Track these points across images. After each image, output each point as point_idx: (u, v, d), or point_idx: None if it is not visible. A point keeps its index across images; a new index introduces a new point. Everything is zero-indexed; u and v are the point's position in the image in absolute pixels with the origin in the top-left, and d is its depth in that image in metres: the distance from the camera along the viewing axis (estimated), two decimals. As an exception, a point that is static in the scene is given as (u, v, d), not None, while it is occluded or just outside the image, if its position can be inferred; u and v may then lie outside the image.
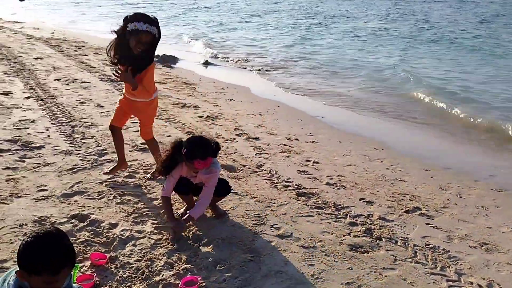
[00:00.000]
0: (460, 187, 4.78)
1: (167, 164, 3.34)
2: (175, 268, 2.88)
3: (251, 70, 11.56)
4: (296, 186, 4.31)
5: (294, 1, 36.47)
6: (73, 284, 2.28)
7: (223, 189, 3.56)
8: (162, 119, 6.32)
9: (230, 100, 8.03)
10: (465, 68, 12.02)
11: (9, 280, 2.02)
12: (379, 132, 6.83)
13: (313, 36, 18.20)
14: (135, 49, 3.56)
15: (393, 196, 4.31)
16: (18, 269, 2.00)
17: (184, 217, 3.31)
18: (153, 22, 3.54)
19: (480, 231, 3.76)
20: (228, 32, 19.08)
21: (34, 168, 4.33)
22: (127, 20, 3.54)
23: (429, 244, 3.44)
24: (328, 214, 3.81)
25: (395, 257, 3.22)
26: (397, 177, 4.87)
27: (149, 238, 3.22)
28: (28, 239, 1.96)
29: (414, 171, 5.17)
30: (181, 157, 3.24)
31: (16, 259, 2.00)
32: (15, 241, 3.05)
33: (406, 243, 3.42)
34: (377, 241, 3.42)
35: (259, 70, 11.53)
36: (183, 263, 2.94)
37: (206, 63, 12.05)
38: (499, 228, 3.84)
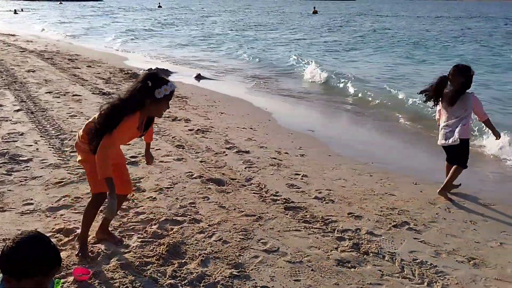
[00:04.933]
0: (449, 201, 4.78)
1: None
2: (159, 283, 2.85)
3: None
4: (284, 200, 4.30)
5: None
6: None
7: None
8: (152, 133, 6.31)
9: (222, 113, 8.04)
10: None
11: None
12: (369, 146, 6.85)
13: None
14: (161, 113, 3.07)
15: (381, 211, 4.30)
16: (1, 276, 1.97)
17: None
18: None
19: (468, 246, 3.75)
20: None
21: (20, 181, 4.30)
22: (149, 88, 2.89)
23: (417, 259, 3.43)
24: (316, 228, 3.79)
25: (382, 272, 3.20)
26: (386, 191, 4.86)
27: (134, 252, 3.19)
28: (14, 244, 1.93)
29: (403, 185, 5.17)
30: None
31: None
32: (-2, 256, 3.00)
33: (394, 258, 3.41)
34: (365, 256, 3.41)
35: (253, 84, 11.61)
36: (167, 278, 2.91)
37: (198, 77, 12.09)
38: (487, 243, 3.84)
